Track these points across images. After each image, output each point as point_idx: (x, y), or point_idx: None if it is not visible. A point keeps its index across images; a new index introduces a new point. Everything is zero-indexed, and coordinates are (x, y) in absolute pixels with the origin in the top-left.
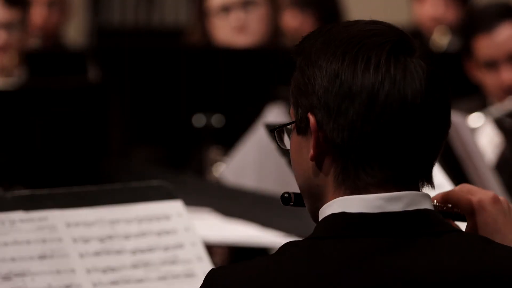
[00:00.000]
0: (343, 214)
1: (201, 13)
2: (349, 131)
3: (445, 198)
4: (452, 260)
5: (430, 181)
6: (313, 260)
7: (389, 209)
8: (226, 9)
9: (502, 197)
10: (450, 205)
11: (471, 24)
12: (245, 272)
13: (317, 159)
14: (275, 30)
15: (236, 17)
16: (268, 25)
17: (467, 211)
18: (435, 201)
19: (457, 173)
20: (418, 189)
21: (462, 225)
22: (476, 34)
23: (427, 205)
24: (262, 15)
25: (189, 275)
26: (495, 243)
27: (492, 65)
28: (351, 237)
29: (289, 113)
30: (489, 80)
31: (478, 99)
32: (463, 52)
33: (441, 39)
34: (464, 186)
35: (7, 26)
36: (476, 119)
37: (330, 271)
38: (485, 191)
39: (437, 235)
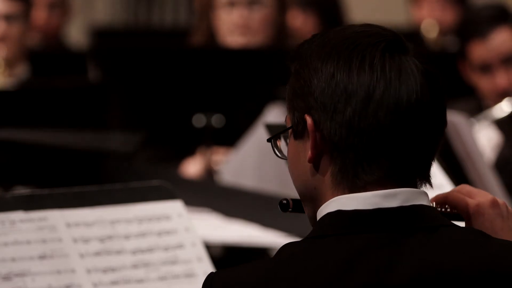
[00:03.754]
0: (338, 212)
1: (208, 5)
2: (346, 128)
3: (443, 200)
4: (449, 254)
5: (428, 179)
6: (312, 260)
7: (385, 206)
8: (231, 3)
9: (501, 200)
10: (448, 208)
11: (466, 28)
12: (244, 275)
13: (315, 160)
14: (280, 32)
15: (239, 14)
16: (272, 26)
17: (465, 213)
18: (434, 203)
19: (457, 173)
20: (415, 187)
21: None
22: (471, 38)
23: (423, 202)
24: (266, 15)
25: (189, 275)
26: (491, 237)
27: (487, 68)
28: (348, 234)
29: (285, 118)
30: (483, 83)
31: (474, 101)
32: (458, 54)
33: (439, 41)
34: (464, 188)
35: (8, 17)
36: (477, 121)
37: (328, 270)
38: (485, 194)
39: (433, 229)
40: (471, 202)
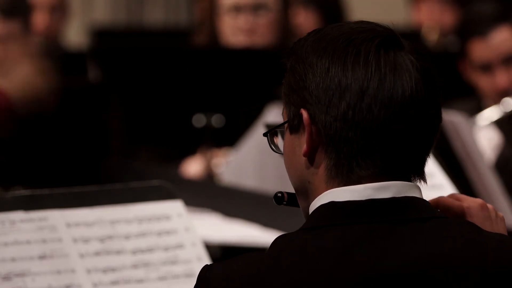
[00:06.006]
0: (331, 204)
1: (212, 9)
2: (341, 122)
3: (435, 204)
4: (441, 244)
5: (422, 176)
6: (305, 251)
7: (377, 197)
8: (237, 8)
9: (489, 204)
10: (439, 211)
11: (466, 27)
12: (239, 267)
13: (310, 154)
14: (286, 36)
15: (245, 19)
16: (278, 30)
17: (456, 216)
18: None
19: (457, 173)
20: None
21: None
22: (471, 37)
23: (416, 194)
24: (272, 19)
25: (189, 275)
26: (482, 229)
27: (487, 68)
28: (341, 225)
29: (282, 115)
30: (483, 82)
31: (474, 101)
32: (458, 54)
33: (441, 42)
34: (453, 195)
35: (4, 39)
36: (477, 121)
37: (322, 260)
38: (474, 199)
39: (425, 220)
40: (462, 205)
